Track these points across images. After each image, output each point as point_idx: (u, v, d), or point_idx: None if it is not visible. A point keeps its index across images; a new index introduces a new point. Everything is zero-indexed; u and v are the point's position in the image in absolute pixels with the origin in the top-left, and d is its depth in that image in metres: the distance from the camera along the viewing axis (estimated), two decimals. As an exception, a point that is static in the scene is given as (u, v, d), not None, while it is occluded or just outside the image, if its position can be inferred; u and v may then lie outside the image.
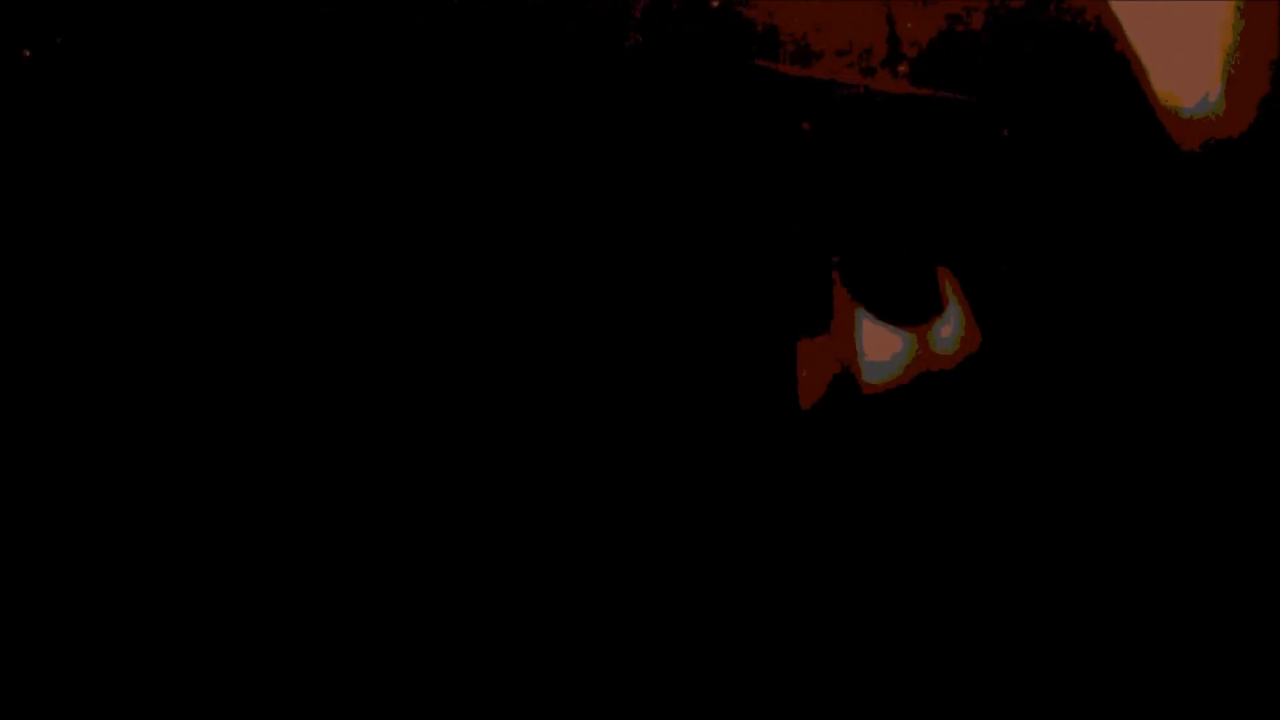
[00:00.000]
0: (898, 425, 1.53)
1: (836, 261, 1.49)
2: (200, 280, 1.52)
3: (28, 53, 1.33)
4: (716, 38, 1.44)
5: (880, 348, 1.53)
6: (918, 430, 1.53)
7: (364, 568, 1.52)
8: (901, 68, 1.40)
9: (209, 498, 1.51)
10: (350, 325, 1.52)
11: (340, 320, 1.52)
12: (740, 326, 1.53)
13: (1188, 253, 1.49)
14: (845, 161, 1.42)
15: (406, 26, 1.50)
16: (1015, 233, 1.49)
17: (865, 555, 1.52)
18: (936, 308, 1.49)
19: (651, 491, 1.52)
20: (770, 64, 1.41)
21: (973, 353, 1.50)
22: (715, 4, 1.41)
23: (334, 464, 1.52)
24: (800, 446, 1.53)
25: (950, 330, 1.51)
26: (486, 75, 1.51)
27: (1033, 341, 1.53)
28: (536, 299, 1.53)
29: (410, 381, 1.53)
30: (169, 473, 1.52)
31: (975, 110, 1.40)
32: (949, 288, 1.48)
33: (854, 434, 1.53)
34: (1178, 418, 1.51)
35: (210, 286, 1.52)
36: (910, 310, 1.51)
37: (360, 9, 1.49)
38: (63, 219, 1.52)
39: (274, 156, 1.52)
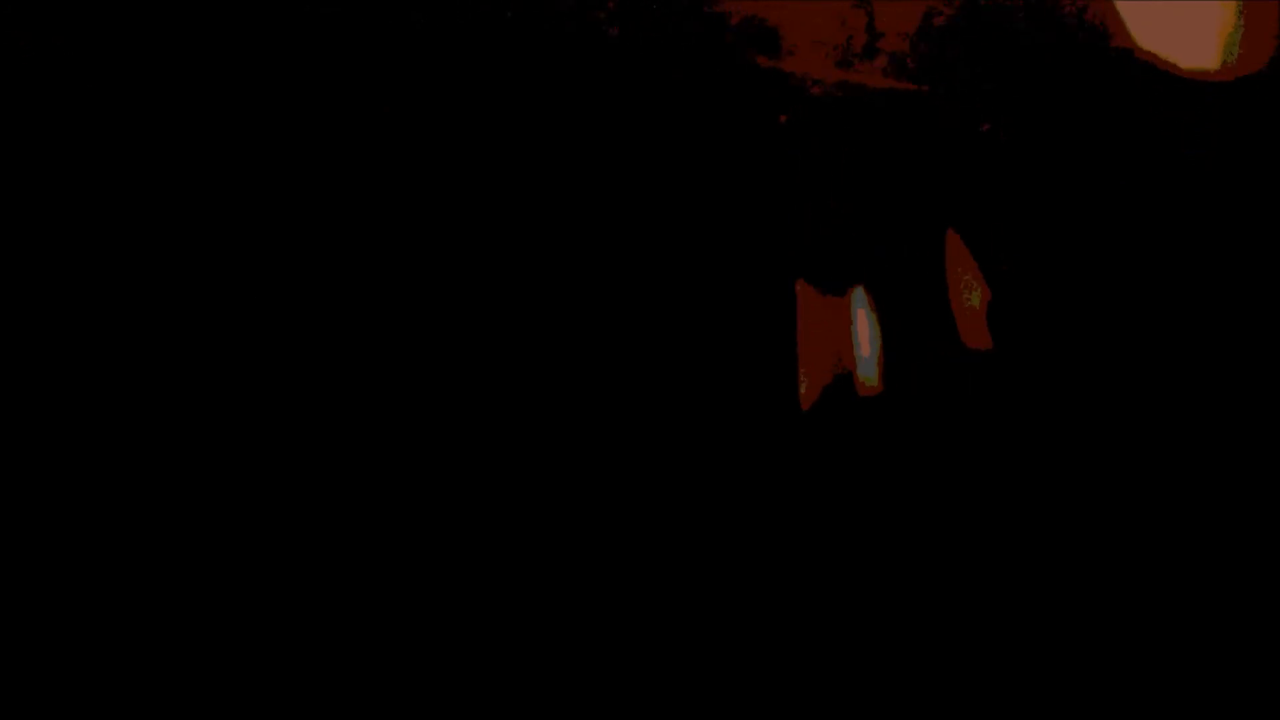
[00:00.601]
0: (896, 424, 1.53)
1: (832, 261, 1.49)
2: (199, 278, 1.52)
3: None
4: (692, 31, 1.44)
5: (874, 347, 1.53)
6: (916, 429, 1.53)
7: (364, 567, 1.52)
8: (879, 61, 1.40)
9: (208, 496, 1.52)
10: (350, 323, 1.53)
11: (340, 318, 1.53)
12: (739, 326, 1.53)
13: (1186, 250, 1.49)
14: (823, 157, 1.42)
15: (406, 26, 1.50)
16: (1007, 231, 1.49)
17: (864, 552, 1.52)
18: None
19: (650, 489, 1.52)
20: (746, 56, 1.40)
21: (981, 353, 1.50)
22: None
23: (333, 462, 1.52)
24: (799, 444, 1.53)
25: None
26: (486, 75, 1.51)
27: (1031, 340, 1.53)
28: (535, 299, 1.53)
29: (409, 380, 1.53)
30: (169, 470, 1.52)
31: (953, 104, 1.39)
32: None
33: (852, 432, 1.53)
34: (1176, 414, 1.51)
35: (209, 284, 1.52)
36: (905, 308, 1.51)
37: (360, 9, 1.49)
38: (63, 218, 1.52)
39: (274, 155, 1.52)
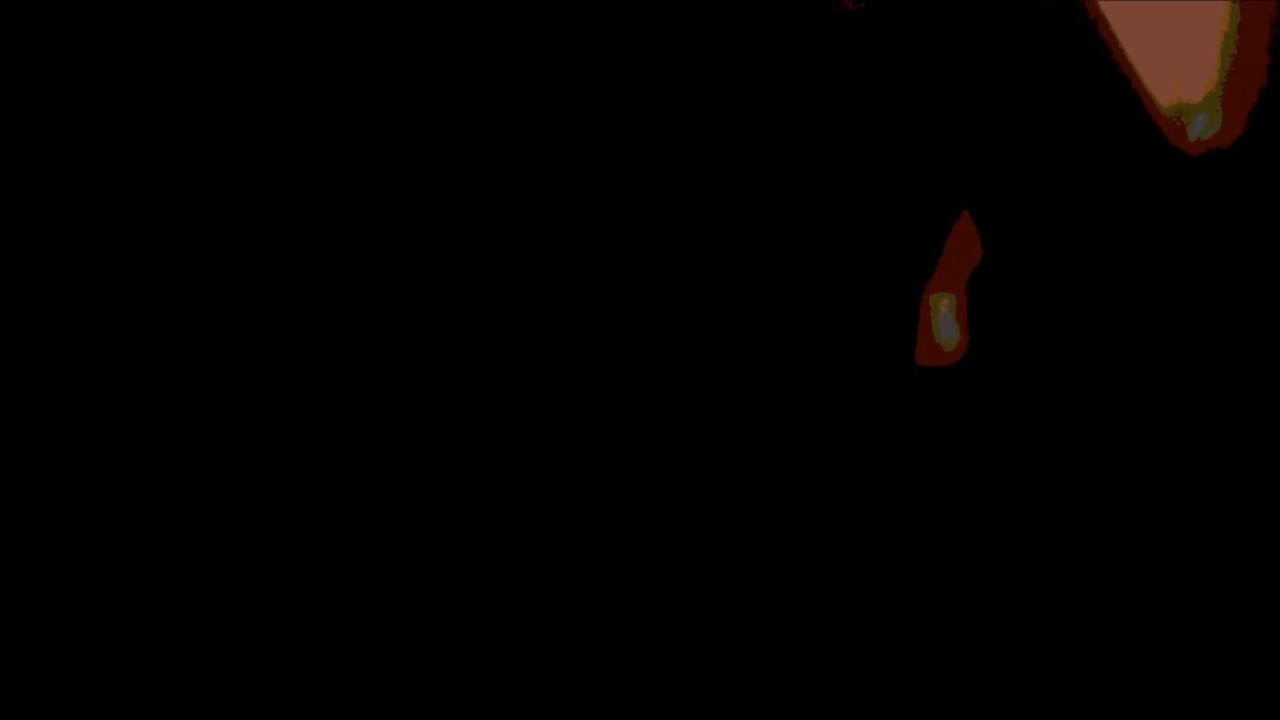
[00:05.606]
0: (894, 428, 1.53)
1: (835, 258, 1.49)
2: (199, 277, 1.52)
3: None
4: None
5: (885, 347, 1.53)
6: (915, 435, 1.53)
7: (364, 569, 1.52)
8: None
9: (209, 498, 1.52)
10: (350, 326, 1.53)
11: (340, 321, 1.53)
12: (741, 324, 1.53)
13: (1185, 255, 1.49)
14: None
15: (406, 26, 1.50)
16: (1010, 231, 1.49)
17: (864, 557, 1.52)
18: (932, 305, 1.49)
19: (651, 495, 1.52)
20: None
21: (965, 354, 1.50)
22: None
23: (334, 465, 1.52)
24: (799, 447, 1.53)
25: (947, 329, 1.51)
26: (488, 75, 1.51)
27: (1029, 344, 1.53)
28: (538, 300, 1.53)
29: (410, 383, 1.53)
30: (169, 473, 1.52)
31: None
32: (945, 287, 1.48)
33: (856, 432, 1.53)
34: (1176, 420, 1.51)
35: (208, 287, 1.52)
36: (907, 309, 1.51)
37: (360, 9, 1.49)
38: (61, 219, 1.52)
39: (272, 156, 1.52)
